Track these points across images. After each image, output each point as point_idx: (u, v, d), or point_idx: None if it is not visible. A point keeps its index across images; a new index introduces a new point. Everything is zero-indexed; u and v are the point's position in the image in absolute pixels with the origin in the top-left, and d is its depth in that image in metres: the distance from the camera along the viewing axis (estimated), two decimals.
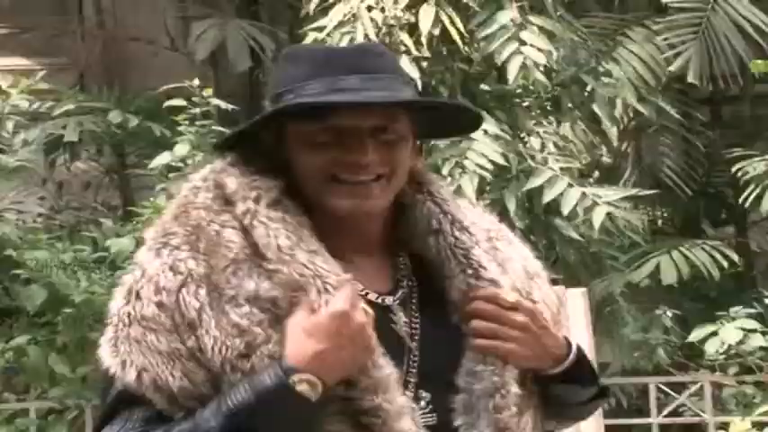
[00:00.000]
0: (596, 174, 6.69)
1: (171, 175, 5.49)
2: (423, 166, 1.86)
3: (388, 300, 1.76)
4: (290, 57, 1.79)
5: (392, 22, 5.63)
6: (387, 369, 1.67)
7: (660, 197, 6.97)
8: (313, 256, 1.67)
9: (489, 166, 5.47)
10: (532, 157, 5.68)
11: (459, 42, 5.57)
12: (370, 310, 1.67)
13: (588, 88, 6.06)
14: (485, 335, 1.75)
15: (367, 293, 1.73)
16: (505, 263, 1.82)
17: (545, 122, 6.08)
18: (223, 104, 5.85)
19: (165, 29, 8.08)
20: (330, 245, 1.70)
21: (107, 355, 1.69)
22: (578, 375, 1.83)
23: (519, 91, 5.97)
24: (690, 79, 6.26)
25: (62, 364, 5.21)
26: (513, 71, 5.60)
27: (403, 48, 5.62)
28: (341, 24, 5.64)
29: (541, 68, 5.67)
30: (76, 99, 6.97)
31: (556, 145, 5.82)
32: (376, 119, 1.71)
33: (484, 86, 5.96)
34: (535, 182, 5.55)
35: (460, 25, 5.54)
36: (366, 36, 5.52)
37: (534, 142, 5.82)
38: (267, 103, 1.76)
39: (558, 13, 5.84)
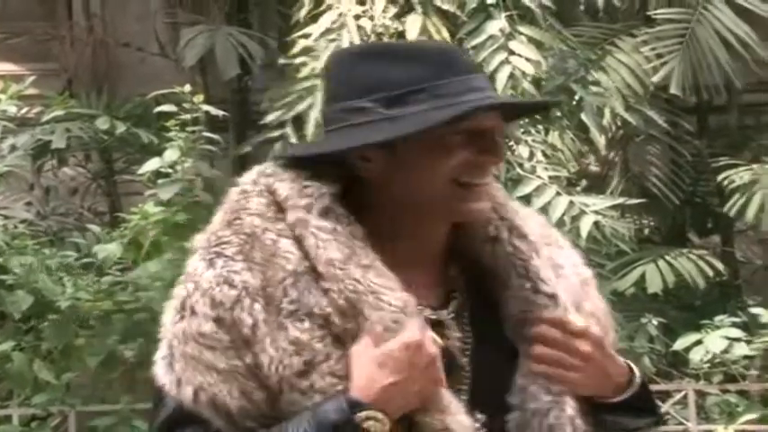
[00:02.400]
0: (584, 182, 6.68)
1: (160, 181, 5.45)
2: None
3: (442, 314, 1.66)
4: (388, 54, 1.65)
5: (380, 30, 5.68)
6: (450, 401, 1.60)
7: (647, 206, 6.98)
8: (366, 271, 1.57)
9: None
10: (521, 166, 5.68)
11: None
12: (439, 340, 1.59)
13: (576, 97, 6.06)
14: (547, 362, 1.65)
15: (420, 308, 1.63)
16: (557, 270, 1.72)
17: (533, 131, 6.08)
18: (213, 111, 5.86)
19: (154, 35, 8.06)
20: (385, 255, 1.60)
21: (162, 373, 1.60)
22: (637, 404, 1.73)
23: None
24: (672, 90, 6.28)
25: (47, 370, 5.16)
26: (501, 81, 5.63)
27: None
28: (327, 32, 5.70)
29: (530, 77, 5.66)
30: (65, 105, 6.94)
31: (544, 153, 5.82)
32: (498, 119, 1.65)
33: None
34: (523, 190, 5.55)
35: (447, 35, 5.59)
36: (351, 43, 5.53)
37: (522, 151, 5.82)
38: (368, 104, 1.61)
39: (547, 23, 5.87)
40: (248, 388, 1.56)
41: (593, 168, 7.13)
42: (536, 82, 5.82)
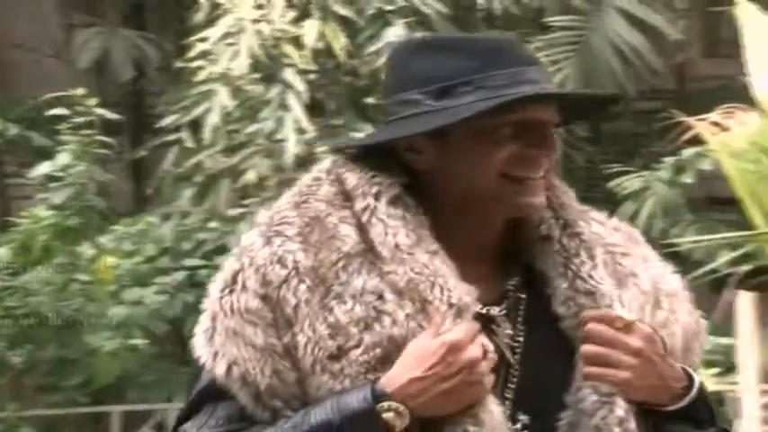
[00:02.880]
0: None
1: (52, 184, 5.46)
2: None
3: (494, 310, 1.65)
4: (439, 47, 1.68)
5: (279, 34, 5.80)
6: (497, 415, 1.57)
7: None
8: (433, 257, 1.59)
9: None
10: None
11: (343, 57, 5.79)
12: (491, 347, 1.57)
13: None
14: (596, 362, 1.62)
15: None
16: (626, 279, 1.69)
17: None
18: (107, 114, 5.91)
19: (48, 36, 7.99)
20: (446, 248, 1.61)
21: (201, 345, 1.61)
22: (696, 414, 1.68)
23: None
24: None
25: None
26: None
27: (288, 61, 5.79)
28: (225, 36, 5.81)
29: None
30: None
31: None
32: (552, 112, 1.64)
33: (370, 100, 6.13)
34: None
35: (343, 40, 5.75)
36: (250, 48, 5.70)
37: None
38: (418, 96, 1.63)
39: (445, 29, 6.02)
40: (281, 367, 1.58)
41: None
42: None
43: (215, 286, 1.63)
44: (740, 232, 5.24)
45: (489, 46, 1.65)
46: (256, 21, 5.74)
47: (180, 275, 6.27)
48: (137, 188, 8.11)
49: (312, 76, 5.87)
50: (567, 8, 6.97)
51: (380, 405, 1.54)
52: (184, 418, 1.64)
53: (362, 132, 5.78)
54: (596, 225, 1.73)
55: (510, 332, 1.65)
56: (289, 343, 1.58)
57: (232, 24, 5.76)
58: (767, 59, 5.63)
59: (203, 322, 1.62)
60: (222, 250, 6.01)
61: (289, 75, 5.70)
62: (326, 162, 1.68)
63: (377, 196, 1.62)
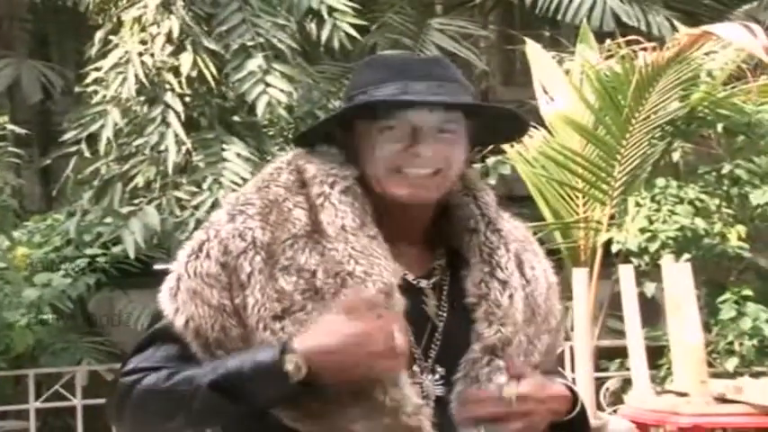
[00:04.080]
0: None
1: None
2: (474, 174, 1.80)
3: (423, 283, 1.68)
4: (370, 64, 1.73)
5: (160, 65, 5.87)
6: (406, 390, 1.58)
7: None
8: (371, 240, 1.61)
9: (240, 181, 5.70)
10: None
11: (213, 83, 5.87)
12: (402, 337, 1.55)
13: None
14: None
15: (406, 274, 1.66)
16: (528, 271, 1.72)
17: (287, 148, 6.34)
18: (17, 129, 6.02)
19: None
20: (383, 231, 1.64)
21: (165, 300, 1.63)
22: (581, 423, 1.72)
23: (265, 122, 6.27)
24: None
25: None
26: (261, 107, 5.91)
27: (168, 86, 5.85)
28: (116, 66, 5.85)
29: (283, 105, 5.96)
30: None
31: None
32: (438, 118, 1.64)
33: (236, 118, 6.22)
34: None
35: (213, 69, 5.83)
36: (136, 76, 5.75)
37: None
38: (345, 101, 1.70)
39: (296, 61, 6.18)
40: (228, 324, 1.59)
41: None
42: (289, 109, 6.13)
43: (183, 252, 1.64)
44: (532, 223, 5.26)
45: (397, 63, 1.69)
46: (141, 53, 5.82)
47: (82, 262, 6.27)
48: (45, 190, 8.09)
49: (188, 99, 5.92)
50: (395, 44, 7.25)
51: (284, 356, 1.53)
52: (134, 352, 1.65)
53: (230, 144, 5.89)
54: (506, 223, 1.76)
55: (435, 302, 1.67)
56: (239, 303, 1.58)
57: (121, 56, 5.83)
58: (549, 87, 6.02)
59: (169, 281, 1.64)
60: (117, 241, 5.99)
61: (169, 97, 5.79)
62: (288, 154, 1.71)
63: (332, 185, 1.64)
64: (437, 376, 1.65)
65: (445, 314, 1.68)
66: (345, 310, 1.55)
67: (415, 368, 1.63)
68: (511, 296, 1.67)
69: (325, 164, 1.66)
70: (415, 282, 1.68)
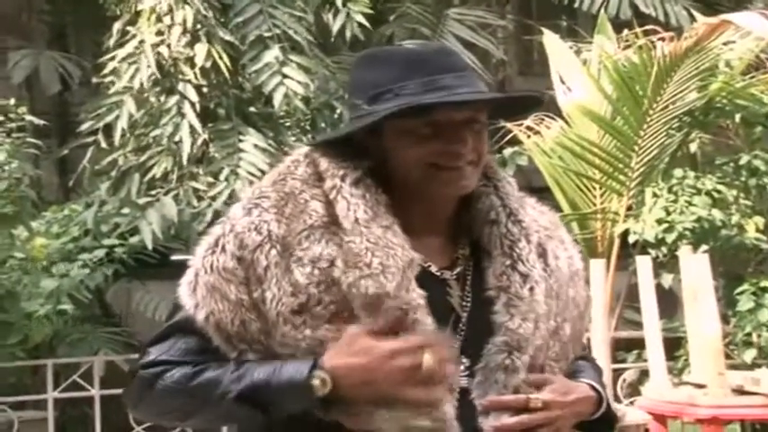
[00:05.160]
0: None
1: None
2: (493, 162, 1.77)
3: (447, 274, 1.68)
4: (377, 59, 1.70)
5: (176, 55, 5.87)
6: (449, 415, 1.58)
7: None
8: (386, 231, 1.60)
9: (257, 172, 5.71)
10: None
11: (228, 74, 5.86)
12: (431, 360, 1.54)
13: (338, 111, 6.37)
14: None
15: (429, 266, 1.66)
16: (552, 261, 1.72)
17: (304, 139, 6.36)
18: (36, 120, 6.00)
19: None
20: (404, 222, 1.63)
21: (185, 295, 1.63)
22: (598, 427, 1.75)
23: (282, 113, 6.27)
24: None
25: None
26: (278, 99, 5.94)
27: (183, 77, 5.85)
28: (129, 56, 5.84)
29: (300, 96, 5.96)
30: None
31: None
32: (469, 112, 1.65)
33: (253, 109, 6.23)
34: None
35: (227, 60, 5.83)
36: (150, 66, 5.73)
37: None
38: (359, 101, 1.67)
39: (313, 52, 6.18)
40: (247, 318, 1.59)
41: None
42: (305, 100, 6.15)
43: (201, 247, 1.64)
44: None
45: (412, 57, 1.67)
46: (157, 44, 5.82)
47: (100, 253, 6.31)
48: (63, 181, 8.12)
49: (204, 90, 5.92)
50: (413, 34, 7.24)
51: (312, 374, 1.54)
52: (153, 342, 1.65)
53: (247, 135, 5.92)
54: (530, 210, 1.75)
55: (459, 293, 1.67)
56: (257, 297, 1.58)
57: (136, 47, 5.83)
58: (566, 77, 5.99)
59: (188, 275, 1.64)
60: (134, 232, 6.03)
61: (184, 88, 5.78)
62: (304, 148, 1.71)
63: (343, 178, 1.63)
64: (462, 367, 1.64)
65: (469, 305, 1.67)
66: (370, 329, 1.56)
67: None
68: (531, 289, 1.67)
69: (337, 156, 1.66)
70: (438, 273, 1.67)
